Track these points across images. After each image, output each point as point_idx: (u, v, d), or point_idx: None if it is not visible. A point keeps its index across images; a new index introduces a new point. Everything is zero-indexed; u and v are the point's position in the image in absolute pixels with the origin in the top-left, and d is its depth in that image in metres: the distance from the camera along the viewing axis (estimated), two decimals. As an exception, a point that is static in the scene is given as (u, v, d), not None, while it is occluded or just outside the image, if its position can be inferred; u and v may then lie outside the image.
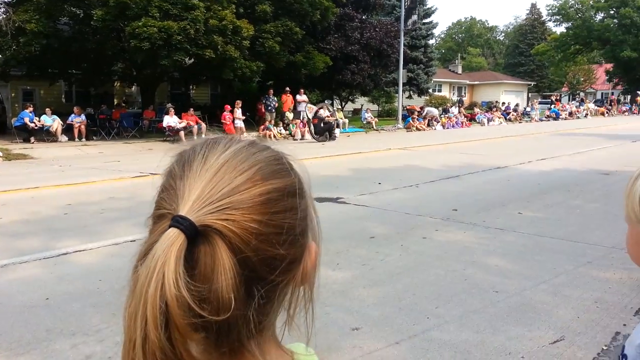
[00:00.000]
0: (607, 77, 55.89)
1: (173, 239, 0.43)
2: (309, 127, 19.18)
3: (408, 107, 26.82)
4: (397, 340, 2.69)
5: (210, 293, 0.43)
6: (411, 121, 23.64)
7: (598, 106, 40.21)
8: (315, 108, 19.58)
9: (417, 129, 23.27)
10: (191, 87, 26.32)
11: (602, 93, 58.46)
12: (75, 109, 16.67)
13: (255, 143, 0.54)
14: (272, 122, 19.75)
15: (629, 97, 48.08)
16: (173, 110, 17.25)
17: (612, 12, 49.44)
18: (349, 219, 5.59)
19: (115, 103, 21.93)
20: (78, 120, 16.29)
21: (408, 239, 4.76)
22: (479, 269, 3.87)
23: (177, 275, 0.42)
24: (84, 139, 16.11)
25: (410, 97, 36.50)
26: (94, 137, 16.75)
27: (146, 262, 0.43)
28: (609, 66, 53.91)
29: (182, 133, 16.36)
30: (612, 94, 52.16)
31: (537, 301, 3.23)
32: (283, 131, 19.85)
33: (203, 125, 17.88)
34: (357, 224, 5.36)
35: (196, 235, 0.44)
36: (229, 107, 18.18)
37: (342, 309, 3.11)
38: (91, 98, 21.78)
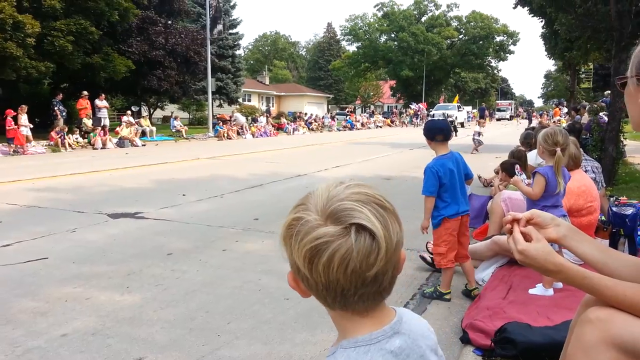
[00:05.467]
0: (391, 93, 63.94)
1: None
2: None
3: (219, 116, 26.77)
4: (184, 364, 2.62)
5: None
6: (221, 129, 23.59)
7: (385, 118, 45.43)
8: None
9: (228, 138, 23.34)
10: (-36, 89, 22.24)
11: (388, 106, 66.53)
12: None
13: None
14: (66, 129, 17.76)
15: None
16: None
17: (393, 35, 56.76)
18: (147, 235, 5.30)
19: None
20: None
21: (207, 252, 4.71)
22: (273, 277, 3.99)
23: None
24: None
25: (220, 105, 36.59)
26: None
27: None
28: (393, 83, 61.79)
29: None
30: (396, 107, 59.69)
31: (323, 304, 3.45)
32: (81, 139, 18.02)
33: (-23, 133, 15.26)
34: (155, 240, 5.12)
35: None
36: (12, 111, 15.76)
37: (127, 338, 2.90)
38: None
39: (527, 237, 1.38)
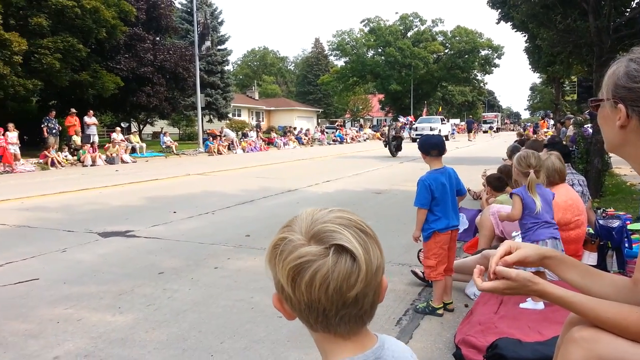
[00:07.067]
0: (380, 106, 64.43)
1: None
2: (389, 148, 20.09)
3: (209, 131, 26.80)
4: (177, 385, 2.61)
5: None
6: (211, 145, 23.60)
7: (374, 131, 45.58)
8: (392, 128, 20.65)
9: (219, 153, 23.34)
10: (-50, 106, 22.09)
11: (377, 119, 66.92)
12: None
13: None
14: (56, 146, 17.70)
15: (400, 123, 55.65)
16: None
17: (380, 50, 57.37)
18: (138, 255, 5.27)
19: None
20: None
21: (199, 270, 4.70)
22: (265, 295, 3.99)
23: None
24: None
25: (210, 121, 36.62)
26: None
27: None
28: (381, 96, 62.33)
29: None
30: (385, 120, 60.10)
31: (316, 322, 3.46)
32: (70, 157, 17.94)
33: (-35, 152, 15.13)
34: (146, 259, 5.09)
35: None
36: (2, 129, 15.72)
37: (119, 359, 2.89)
38: None
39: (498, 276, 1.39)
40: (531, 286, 1.37)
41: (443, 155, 3.64)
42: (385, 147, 20.98)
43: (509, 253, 1.45)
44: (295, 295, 0.80)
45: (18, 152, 15.88)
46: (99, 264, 4.91)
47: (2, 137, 15.36)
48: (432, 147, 3.53)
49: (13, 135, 15.89)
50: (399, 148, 20.56)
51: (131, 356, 2.93)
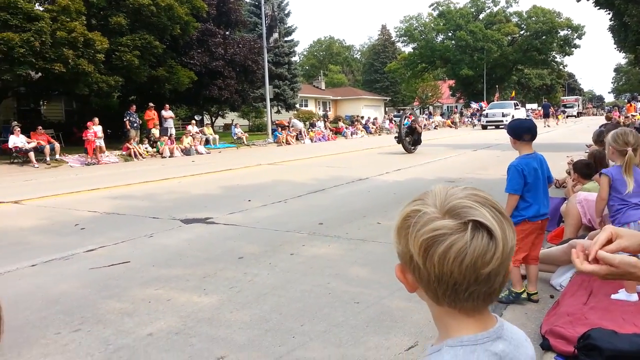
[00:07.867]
0: (450, 92, 62.57)
1: None
2: (403, 144, 16.34)
3: (277, 122, 27.29)
4: (263, 364, 2.71)
5: None
6: (280, 135, 24.04)
7: (445, 119, 44.28)
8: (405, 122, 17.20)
9: (287, 143, 23.73)
10: (42, 103, 23.97)
11: (447, 106, 65.05)
12: None
13: None
14: (137, 139, 18.75)
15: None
16: (19, 129, 15.51)
17: (450, 34, 55.56)
18: (218, 240, 5.51)
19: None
20: None
21: (276, 256, 4.83)
22: (341, 281, 4.05)
23: None
24: None
25: (279, 112, 37.25)
26: None
27: None
28: (452, 82, 60.46)
29: (31, 154, 14.79)
30: (456, 107, 58.25)
31: (394, 308, 3.47)
32: (150, 149, 18.95)
33: (57, 144, 16.36)
34: (226, 244, 5.31)
35: None
36: (92, 123, 16.91)
37: (207, 337, 3.05)
38: None
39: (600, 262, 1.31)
40: (636, 272, 1.28)
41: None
42: (398, 143, 16.72)
43: (610, 240, 1.36)
44: (426, 267, 0.80)
45: (103, 144, 16.99)
46: (184, 248, 5.18)
47: (91, 132, 16.48)
48: (526, 131, 3.38)
49: (98, 129, 17.01)
50: (417, 142, 16.86)
51: (219, 335, 3.08)
